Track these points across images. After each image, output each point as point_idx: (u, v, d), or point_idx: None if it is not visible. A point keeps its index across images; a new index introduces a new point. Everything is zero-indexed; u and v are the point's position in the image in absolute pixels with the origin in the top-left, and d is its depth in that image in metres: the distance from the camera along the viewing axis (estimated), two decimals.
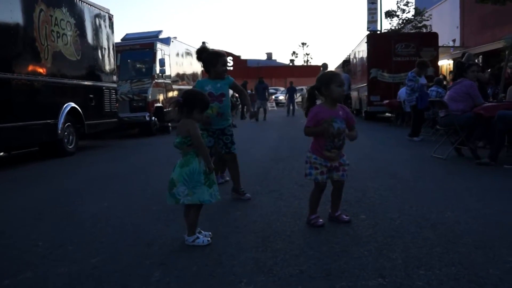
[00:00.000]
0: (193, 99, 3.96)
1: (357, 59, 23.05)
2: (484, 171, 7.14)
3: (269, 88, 29.79)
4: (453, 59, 27.05)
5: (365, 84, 19.16)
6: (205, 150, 3.87)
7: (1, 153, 11.73)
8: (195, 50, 6.06)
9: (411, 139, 11.59)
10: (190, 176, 3.82)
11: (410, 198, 5.44)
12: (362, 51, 20.60)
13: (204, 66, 5.76)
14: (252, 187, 6.28)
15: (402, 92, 14.21)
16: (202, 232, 4.02)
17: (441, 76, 18.24)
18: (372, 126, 17.25)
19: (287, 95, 30.26)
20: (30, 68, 9.93)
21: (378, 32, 36.38)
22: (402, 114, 16.09)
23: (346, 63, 27.40)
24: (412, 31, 31.76)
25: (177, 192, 3.83)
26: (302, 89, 48.96)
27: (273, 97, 34.30)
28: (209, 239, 3.95)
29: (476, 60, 16.95)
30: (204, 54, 5.72)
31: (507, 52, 17.99)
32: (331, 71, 4.67)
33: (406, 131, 12.59)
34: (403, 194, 5.66)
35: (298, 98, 40.61)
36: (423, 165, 8.06)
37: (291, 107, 28.85)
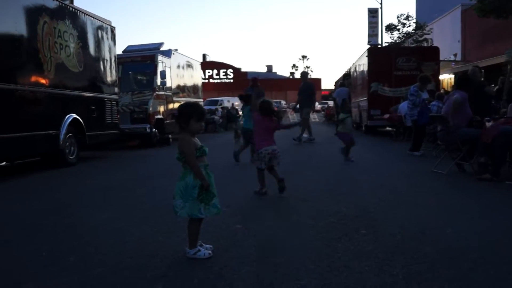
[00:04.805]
0: (189, 109, 4.01)
1: (358, 73, 23.08)
2: (486, 187, 7.11)
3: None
4: (454, 73, 27.12)
5: (366, 98, 19.14)
6: (195, 167, 3.84)
7: (4, 163, 11.73)
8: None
9: (412, 153, 11.58)
10: (185, 190, 3.85)
11: (411, 213, 5.43)
12: (363, 65, 20.63)
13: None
14: (254, 202, 6.30)
15: (403, 106, 14.21)
16: (204, 245, 4.03)
17: (442, 91, 18.24)
18: (372, 140, 17.25)
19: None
20: (33, 79, 9.99)
21: (379, 46, 36.62)
22: (402, 129, 16.06)
23: (347, 76, 27.45)
24: (413, 45, 31.87)
25: (175, 205, 3.87)
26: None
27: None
28: (210, 252, 3.96)
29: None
30: None
31: (509, 67, 18.01)
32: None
33: (406, 145, 12.58)
34: (404, 210, 5.66)
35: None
36: (423, 180, 8.03)
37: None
